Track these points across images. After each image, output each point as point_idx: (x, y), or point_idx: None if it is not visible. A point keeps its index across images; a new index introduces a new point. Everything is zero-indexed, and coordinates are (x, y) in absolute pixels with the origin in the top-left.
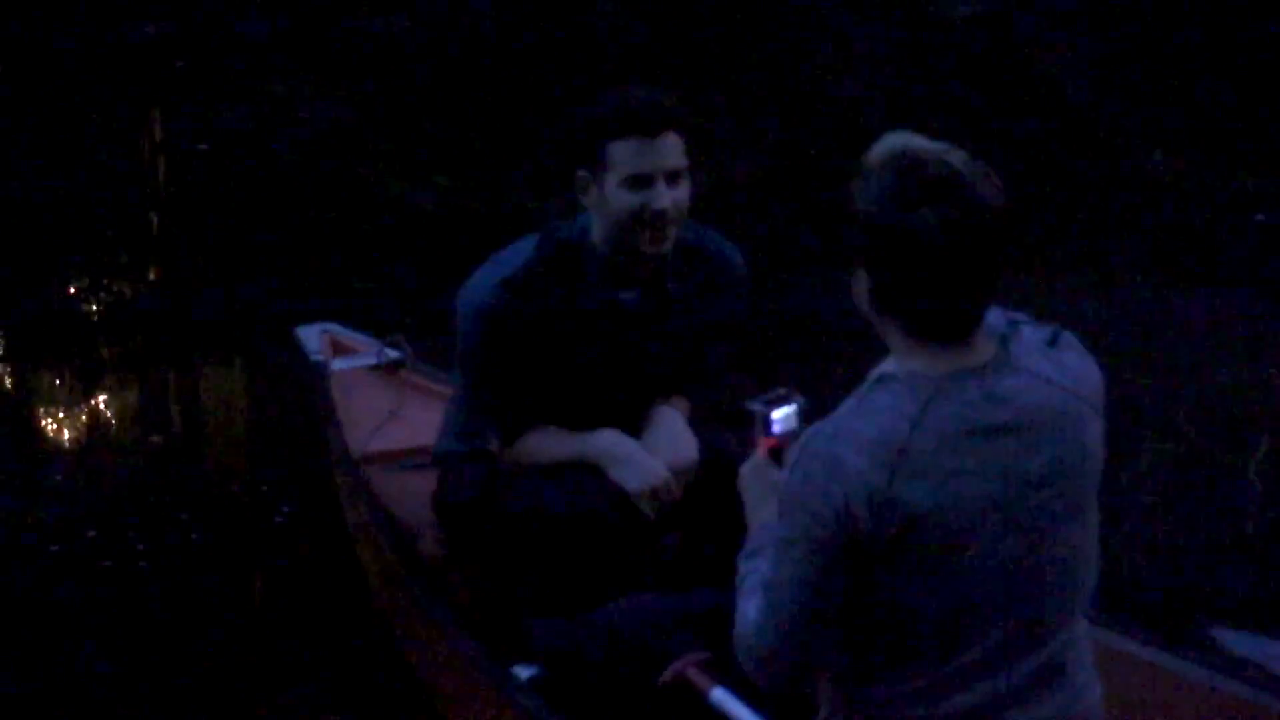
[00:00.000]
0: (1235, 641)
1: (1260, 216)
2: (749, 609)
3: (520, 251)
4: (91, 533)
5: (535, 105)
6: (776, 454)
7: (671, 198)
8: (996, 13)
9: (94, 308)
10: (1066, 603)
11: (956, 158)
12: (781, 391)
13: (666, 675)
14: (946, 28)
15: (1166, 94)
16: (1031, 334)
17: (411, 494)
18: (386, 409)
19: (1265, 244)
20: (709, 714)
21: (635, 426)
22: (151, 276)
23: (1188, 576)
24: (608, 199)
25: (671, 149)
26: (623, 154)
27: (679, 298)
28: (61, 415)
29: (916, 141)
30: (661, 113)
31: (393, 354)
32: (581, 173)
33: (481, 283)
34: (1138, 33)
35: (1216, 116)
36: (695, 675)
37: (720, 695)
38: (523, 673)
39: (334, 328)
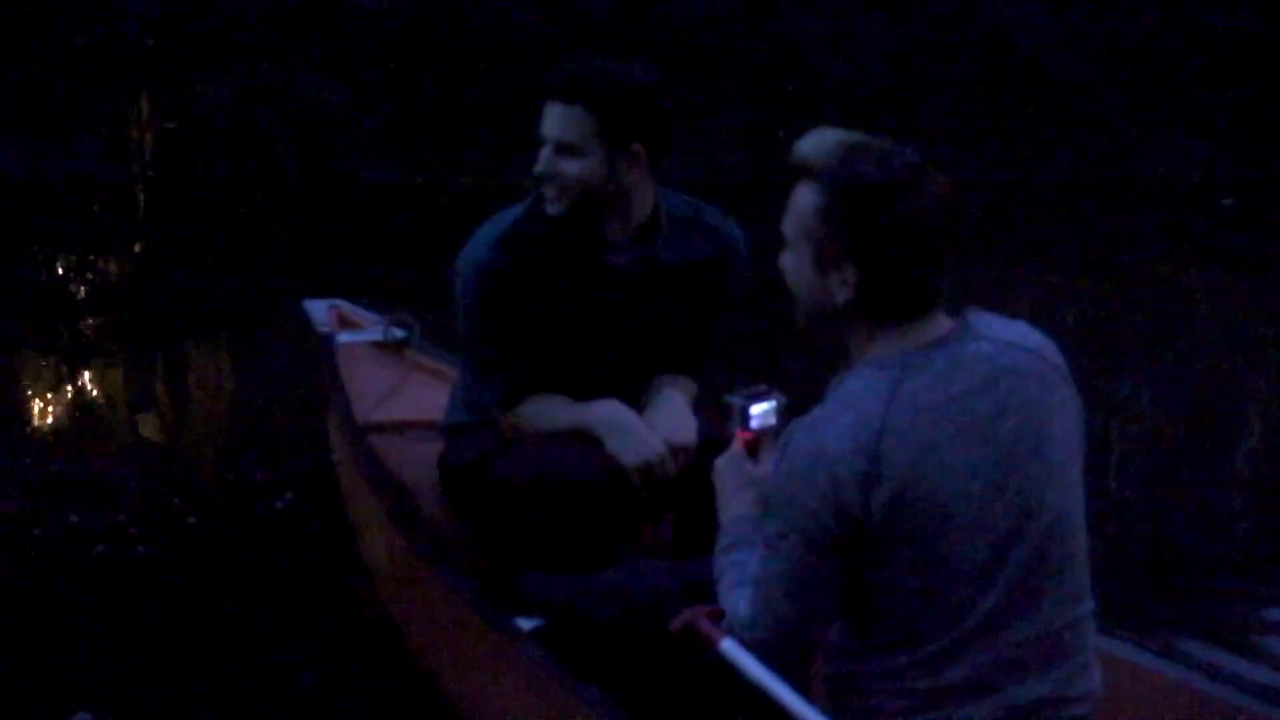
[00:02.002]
0: (1207, 655)
1: (1227, 202)
2: (739, 603)
3: (513, 212)
4: (76, 517)
5: (529, 82)
6: (753, 448)
7: (553, 165)
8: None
9: (80, 286)
10: (1060, 570)
11: (892, 145)
12: (762, 388)
13: (676, 622)
14: (932, 13)
15: (1153, 77)
16: (986, 314)
17: (414, 460)
18: (390, 384)
19: (1232, 226)
20: (710, 667)
21: (632, 393)
22: (137, 251)
23: (1179, 549)
24: None
25: (562, 119)
26: (544, 114)
27: (672, 265)
28: (49, 394)
29: (859, 136)
30: (566, 82)
31: (398, 332)
32: None
33: (478, 242)
34: (1123, 17)
35: (1201, 102)
36: (706, 626)
37: (730, 646)
38: (525, 624)
39: (341, 303)
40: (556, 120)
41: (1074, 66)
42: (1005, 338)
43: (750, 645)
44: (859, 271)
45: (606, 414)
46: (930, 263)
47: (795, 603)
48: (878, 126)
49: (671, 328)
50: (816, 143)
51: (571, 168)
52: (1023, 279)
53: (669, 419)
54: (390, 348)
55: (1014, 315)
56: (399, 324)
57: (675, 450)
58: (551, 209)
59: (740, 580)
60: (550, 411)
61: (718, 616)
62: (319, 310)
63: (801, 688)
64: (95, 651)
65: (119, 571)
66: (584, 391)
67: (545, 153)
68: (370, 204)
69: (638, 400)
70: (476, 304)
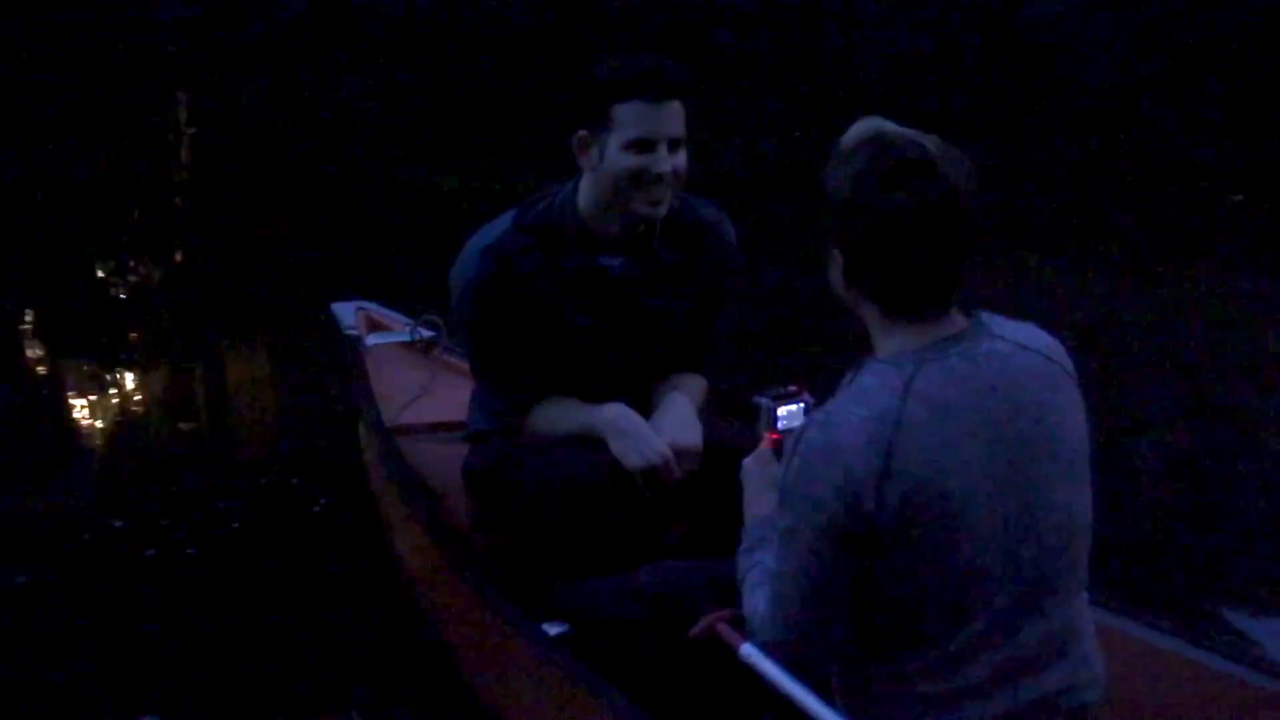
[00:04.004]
0: (1238, 620)
1: (1239, 196)
2: (758, 602)
3: (500, 223)
4: (121, 518)
5: (556, 84)
6: (780, 449)
7: (672, 163)
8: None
9: (120, 291)
10: (1068, 568)
11: (929, 141)
12: (791, 388)
13: (697, 629)
14: (962, 13)
15: (1183, 80)
16: (997, 315)
17: (441, 462)
18: (419, 385)
19: (1240, 221)
20: (736, 670)
21: (639, 393)
22: (177, 259)
23: (1196, 554)
24: (608, 160)
25: (675, 116)
26: (629, 116)
27: (669, 264)
28: (92, 399)
29: (889, 126)
30: (669, 79)
31: (426, 333)
32: (583, 132)
33: (466, 254)
34: (1153, 21)
35: (1218, 97)
36: (725, 631)
37: (749, 650)
38: (551, 629)
39: (369, 305)
40: (673, 116)
41: (1102, 65)
42: (1017, 338)
43: (768, 644)
44: (845, 259)
45: (612, 417)
46: (925, 259)
47: (808, 599)
48: (903, 117)
49: (673, 327)
50: (854, 129)
51: (683, 162)
52: (1037, 275)
53: (673, 423)
54: (418, 348)
55: (1030, 311)
56: (426, 325)
57: (680, 454)
58: (659, 210)
59: (761, 579)
60: (559, 416)
61: (738, 622)
62: (346, 313)
63: (823, 692)
64: (152, 652)
65: (167, 574)
66: (592, 394)
67: (661, 151)
68: (401, 205)
69: (646, 399)
70: (471, 319)
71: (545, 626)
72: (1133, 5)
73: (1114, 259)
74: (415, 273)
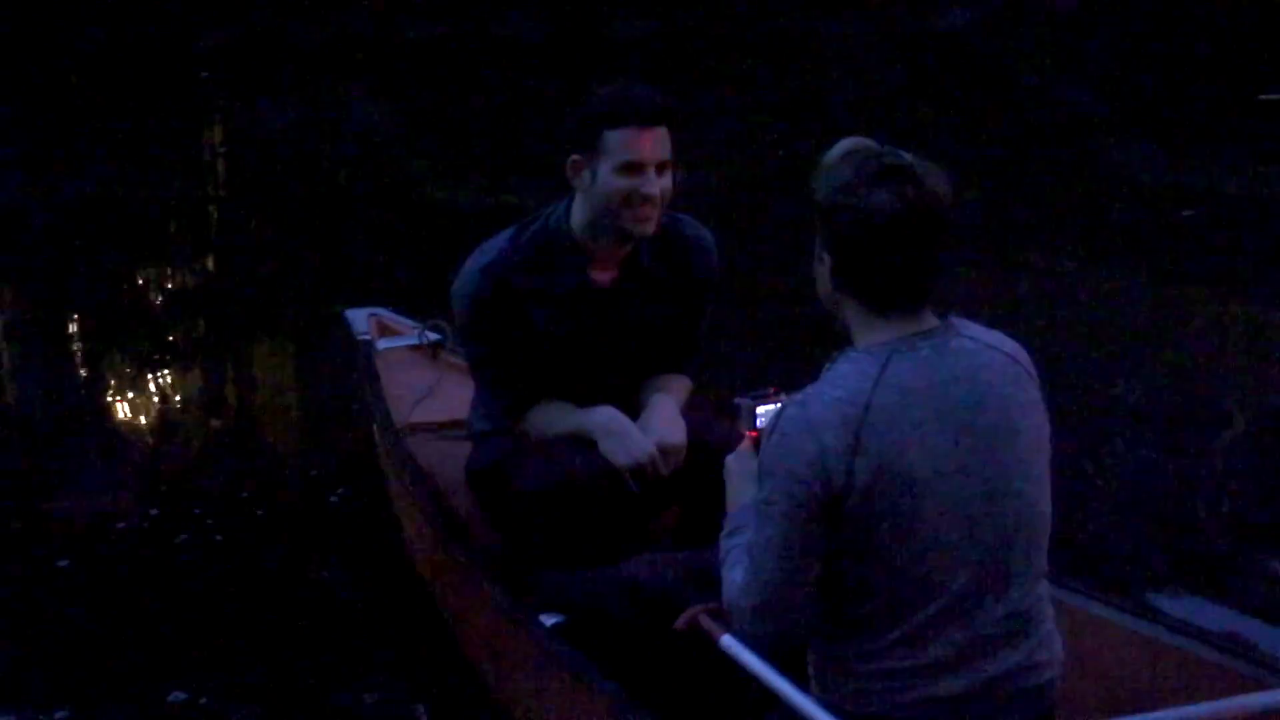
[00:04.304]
0: (1174, 605)
1: (1187, 212)
2: (735, 574)
3: (498, 240)
4: (156, 510)
5: (559, 105)
6: (759, 446)
7: (659, 185)
8: (983, 21)
9: (159, 297)
10: (1027, 554)
11: (906, 154)
12: (770, 390)
13: (680, 621)
14: (937, 36)
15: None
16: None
17: (448, 459)
18: (427, 385)
19: (1196, 238)
20: (719, 659)
21: (628, 398)
22: (211, 267)
23: (1142, 541)
24: (600, 182)
25: (661, 141)
26: (619, 142)
27: (655, 278)
28: (131, 397)
29: (870, 143)
30: (656, 107)
31: (433, 336)
32: (576, 157)
33: (465, 272)
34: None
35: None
36: (706, 622)
37: (729, 641)
38: (548, 620)
39: (381, 311)
40: (658, 142)
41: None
42: (984, 340)
43: (743, 611)
44: (833, 259)
45: (602, 419)
46: (905, 256)
47: (784, 566)
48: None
49: (659, 334)
50: (837, 146)
51: (669, 183)
52: (1005, 281)
53: (659, 423)
54: (425, 351)
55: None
56: (433, 329)
57: (666, 451)
58: (648, 228)
59: (739, 558)
60: (552, 419)
61: (718, 613)
62: (359, 319)
63: (799, 678)
64: (181, 632)
65: (199, 559)
66: (584, 396)
67: (649, 174)
68: (417, 219)
69: (634, 401)
70: (472, 332)
71: (543, 618)
72: (1088, 28)
73: (1066, 267)
74: (431, 281)
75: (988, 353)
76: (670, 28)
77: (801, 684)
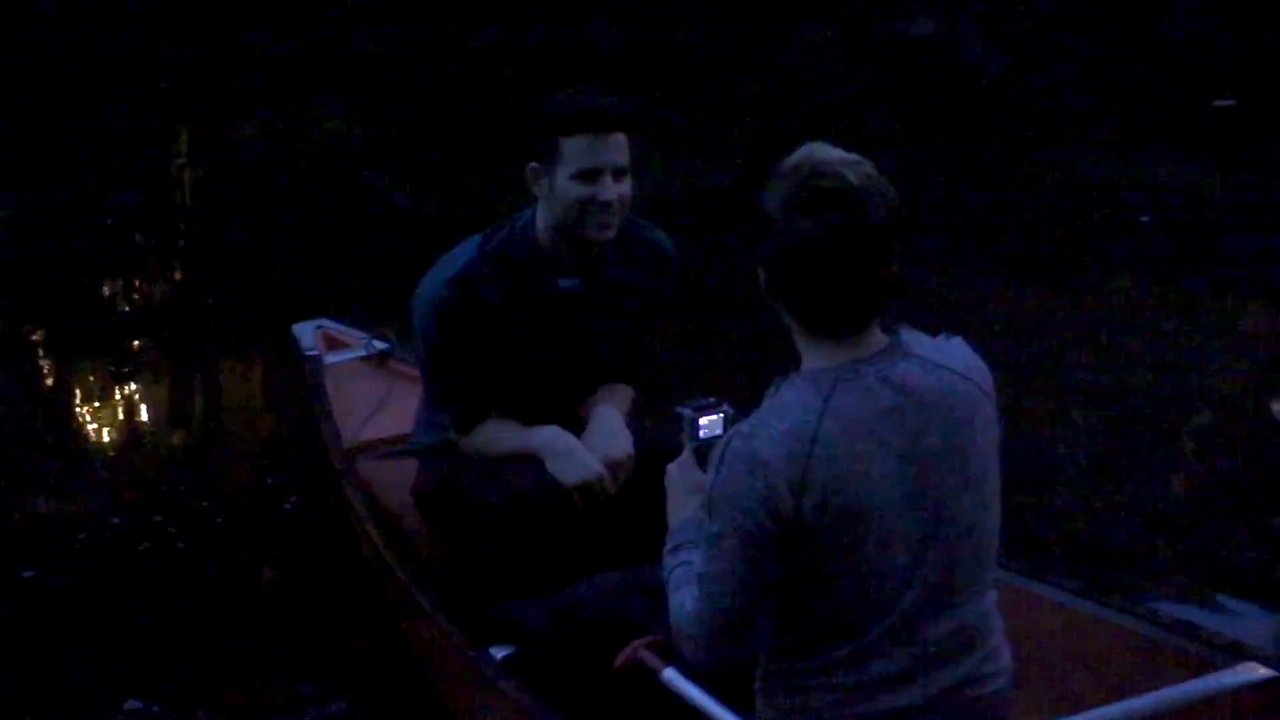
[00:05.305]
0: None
1: (1145, 218)
2: (685, 600)
3: (465, 250)
4: (118, 519)
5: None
6: (702, 455)
7: (617, 191)
8: (950, 30)
9: (127, 307)
10: (973, 571)
11: (855, 171)
12: (712, 400)
13: (621, 658)
14: (903, 44)
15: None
16: (919, 333)
17: (398, 480)
18: (377, 398)
19: (1149, 241)
20: (664, 692)
21: (580, 405)
22: (177, 279)
23: (1117, 541)
24: (558, 190)
25: (618, 147)
26: (574, 149)
27: (618, 282)
28: (94, 407)
29: (823, 153)
30: (611, 113)
31: (380, 345)
32: (534, 165)
33: (431, 281)
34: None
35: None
36: (647, 657)
37: (670, 675)
38: (498, 653)
39: (328, 323)
40: (616, 147)
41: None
42: (934, 359)
43: (694, 639)
44: (764, 274)
45: (548, 439)
46: (833, 283)
47: (737, 597)
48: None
49: (618, 342)
50: (795, 153)
51: (627, 189)
52: (977, 289)
53: (605, 438)
54: (374, 361)
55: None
56: (380, 337)
57: (612, 466)
58: (608, 234)
59: (687, 578)
60: (500, 436)
61: (659, 647)
62: (305, 333)
63: (745, 708)
64: (141, 641)
65: (160, 568)
66: (538, 407)
67: (606, 180)
68: (384, 228)
69: (583, 411)
70: (433, 340)
71: (493, 650)
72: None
73: (1028, 269)
74: (398, 290)
75: (937, 373)
76: (640, 34)
77: (746, 713)
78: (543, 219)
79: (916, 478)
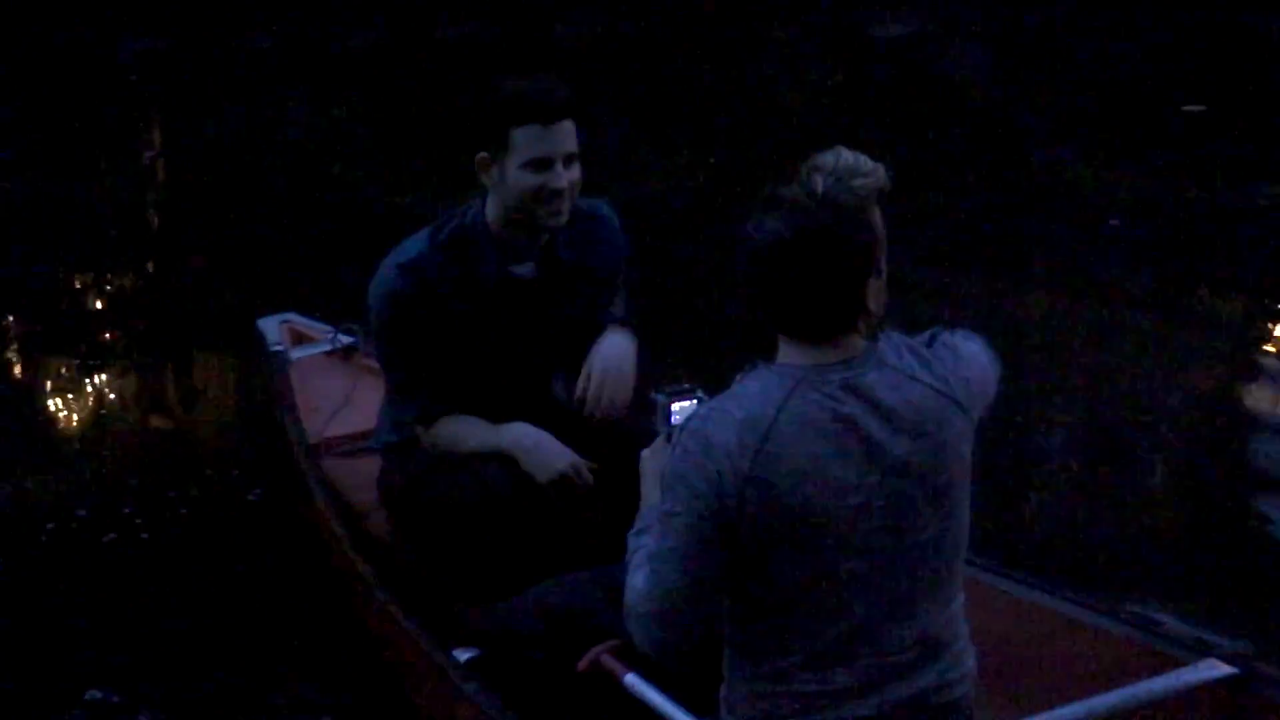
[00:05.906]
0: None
1: (1114, 221)
2: (637, 579)
3: (418, 240)
4: (84, 511)
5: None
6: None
7: (568, 178)
8: (921, 33)
9: (98, 299)
10: (937, 582)
11: (821, 177)
12: (686, 386)
13: (583, 663)
14: (877, 46)
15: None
16: (905, 339)
17: (363, 478)
18: (343, 394)
19: (1118, 248)
20: (629, 696)
21: (542, 400)
22: (150, 270)
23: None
24: (509, 179)
25: (567, 135)
26: (524, 139)
27: (571, 264)
28: (62, 399)
29: (826, 159)
30: (559, 101)
31: (345, 339)
32: (483, 154)
33: (384, 271)
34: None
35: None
36: (609, 661)
37: (632, 679)
38: (462, 655)
39: (294, 318)
40: (566, 135)
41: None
42: (908, 370)
43: (641, 617)
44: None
45: (516, 436)
46: (800, 295)
47: (683, 577)
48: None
49: (576, 324)
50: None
51: (576, 174)
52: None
53: (608, 359)
54: (340, 355)
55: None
56: (346, 331)
57: (607, 385)
58: (560, 220)
59: (644, 561)
60: (466, 433)
61: (621, 650)
62: (271, 327)
63: (708, 713)
64: (104, 633)
65: (125, 558)
66: (498, 396)
67: (558, 169)
68: (356, 221)
69: (548, 397)
70: (388, 331)
71: (457, 653)
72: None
73: (1003, 271)
74: (367, 285)
75: (908, 386)
76: (614, 31)
77: (709, 718)
78: (493, 207)
79: (875, 487)
